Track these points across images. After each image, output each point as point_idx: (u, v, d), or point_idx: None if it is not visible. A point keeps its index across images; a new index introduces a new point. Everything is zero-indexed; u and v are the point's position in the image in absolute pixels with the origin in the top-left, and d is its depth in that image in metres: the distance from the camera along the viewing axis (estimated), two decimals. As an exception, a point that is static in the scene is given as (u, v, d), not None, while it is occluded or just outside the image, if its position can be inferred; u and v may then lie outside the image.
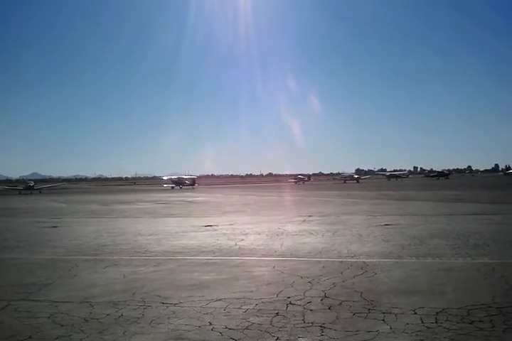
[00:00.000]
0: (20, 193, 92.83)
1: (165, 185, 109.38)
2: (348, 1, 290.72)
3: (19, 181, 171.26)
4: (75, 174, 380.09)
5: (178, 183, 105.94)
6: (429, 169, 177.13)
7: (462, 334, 6.49)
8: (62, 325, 7.40)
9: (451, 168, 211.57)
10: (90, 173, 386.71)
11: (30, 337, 6.87)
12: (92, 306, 8.49)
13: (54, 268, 12.39)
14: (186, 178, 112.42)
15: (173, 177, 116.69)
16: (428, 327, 6.77)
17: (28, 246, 16.96)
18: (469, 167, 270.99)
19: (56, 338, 6.81)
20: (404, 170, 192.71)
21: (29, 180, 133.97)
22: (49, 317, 7.83)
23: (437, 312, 7.42)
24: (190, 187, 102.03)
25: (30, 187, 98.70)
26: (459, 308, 7.61)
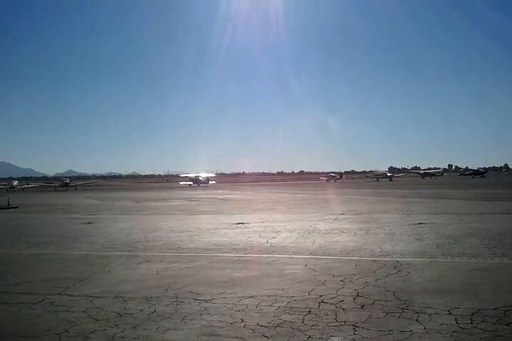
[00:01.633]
0: (56, 190, 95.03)
1: (181, 183, 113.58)
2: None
3: (55, 178, 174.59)
4: (109, 171, 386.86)
5: (195, 181, 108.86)
6: (464, 167, 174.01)
7: (499, 336, 6.35)
8: (96, 320, 7.53)
9: (487, 166, 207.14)
10: (124, 171, 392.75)
11: (66, 331, 7.02)
12: (126, 301, 8.61)
13: (89, 264, 12.63)
14: (203, 177, 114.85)
15: (189, 175, 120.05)
16: (463, 328, 6.64)
17: (63, 241, 17.32)
18: (506, 165, 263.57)
19: (91, 332, 6.94)
20: (439, 168, 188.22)
21: (65, 177, 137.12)
22: (84, 312, 7.98)
23: (473, 313, 7.28)
24: (205, 184, 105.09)
25: (66, 184, 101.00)
26: (495, 309, 7.45)
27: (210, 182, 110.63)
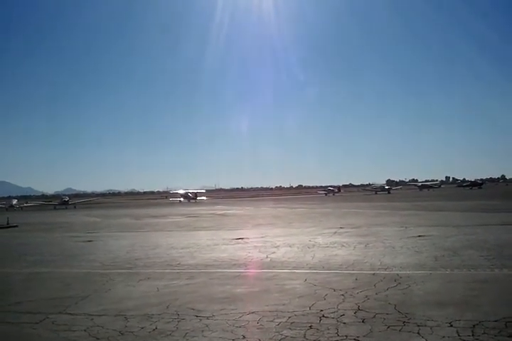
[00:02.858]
0: (55, 208, 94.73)
1: (171, 199, 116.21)
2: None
3: (54, 196, 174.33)
4: (108, 189, 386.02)
5: (186, 197, 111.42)
6: (461, 179, 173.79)
7: (500, 348, 6.37)
8: (97, 338, 7.53)
9: (484, 178, 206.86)
10: (123, 188, 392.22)
11: (68, 350, 7.01)
12: (127, 319, 8.61)
13: (89, 282, 12.62)
14: (192, 192, 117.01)
15: (179, 191, 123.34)
16: (465, 340, 6.66)
17: (63, 260, 17.29)
18: (503, 176, 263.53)
19: (93, 351, 6.94)
20: (436, 180, 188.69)
21: (64, 195, 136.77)
22: (85, 330, 7.98)
23: (474, 325, 7.28)
24: (194, 200, 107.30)
25: (65, 202, 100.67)
26: (496, 321, 7.46)
27: (198, 197, 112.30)
